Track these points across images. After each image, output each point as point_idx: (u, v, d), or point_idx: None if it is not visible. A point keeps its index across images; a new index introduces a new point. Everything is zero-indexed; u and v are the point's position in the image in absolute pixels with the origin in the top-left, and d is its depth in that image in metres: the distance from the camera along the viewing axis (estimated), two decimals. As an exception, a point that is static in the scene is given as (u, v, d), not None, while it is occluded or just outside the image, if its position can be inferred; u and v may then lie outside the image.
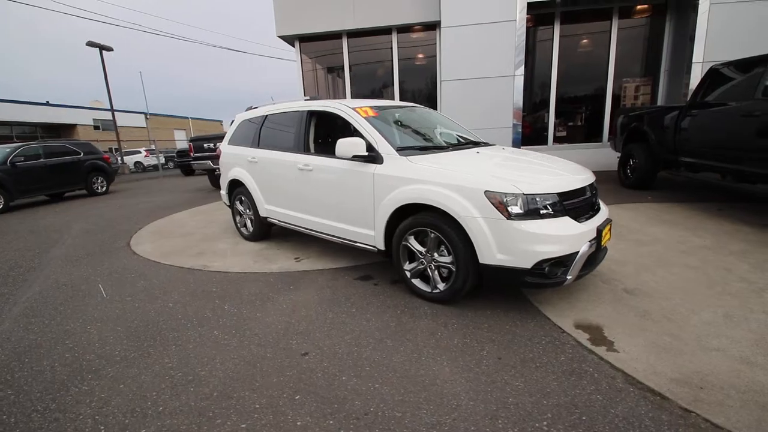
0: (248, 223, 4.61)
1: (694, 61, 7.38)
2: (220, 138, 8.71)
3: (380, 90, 9.48)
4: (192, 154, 8.90)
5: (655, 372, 1.91)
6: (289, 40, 9.25)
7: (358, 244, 3.26)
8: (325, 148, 3.64)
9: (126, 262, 4.11)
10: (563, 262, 2.37)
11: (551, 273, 2.37)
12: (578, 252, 2.37)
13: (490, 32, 7.78)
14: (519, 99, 7.97)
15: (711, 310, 2.46)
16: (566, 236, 2.35)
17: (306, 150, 3.65)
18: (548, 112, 8.74)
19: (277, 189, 4.00)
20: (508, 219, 2.33)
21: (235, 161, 4.54)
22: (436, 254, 2.71)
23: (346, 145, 2.98)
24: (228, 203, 4.89)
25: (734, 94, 4.68)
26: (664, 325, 2.32)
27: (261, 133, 4.25)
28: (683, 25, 7.83)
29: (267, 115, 4.21)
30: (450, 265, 2.63)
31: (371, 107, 3.41)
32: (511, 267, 2.37)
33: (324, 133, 3.99)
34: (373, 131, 3.07)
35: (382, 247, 3.04)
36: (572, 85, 8.83)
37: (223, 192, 4.92)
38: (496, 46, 7.82)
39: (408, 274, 2.92)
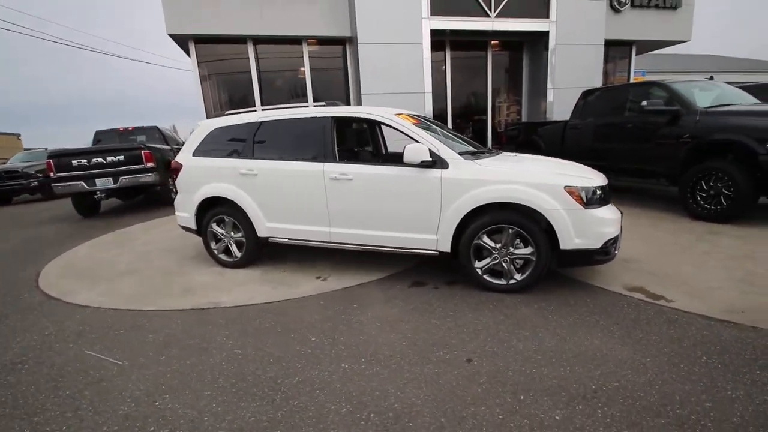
0: (233, 248, 3.93)
1: (548, 87, 9.59)
2: (102, 152, 6.94)
3: (292, 100, 9.10)
4: (53, 173, 6.76)
5: (709, 309, 2.61)
6: (182, 40, 8.05)
7: (413, 251, 3.25)
8: (358, 156, 3.49)
9: (79, 317, 2.99)
10: (615, 239, 2.95)
11: (609, 250, 2.91)
12: (620, 231, 2.99)
13: (402, 52, 8.44)
14: (430, 113, 8.86)
15: (691, 264, 3.42)
16: (616, 219, 2.94)
17: (335, 158, 3.41)
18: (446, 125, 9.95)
19: (288, 203, 3.57)
20: (585, 208, 2.79)
21: (212, 176, 3.83)
22: (511, 248, 2.97)
23: (414, 152, 2.97)
24: (194, 227, 4.04)
25: (606, 111, 6.37)
26: (677, 279, 3.12)
27: (256, 142, 3.71)
28: (537, 59, 10.06)
29: (262, 122, 3.71)
30: (530, 256, 2.92)
31: (406, 114, 3.45)
32: (586, 249, 2.83)
33: (345, 141, 3.78)
34: (429, 137, 3.14)
35: (447, 249, 3.12)
36: (461, 102, 10.28)
37: (187, 214, 4.05)
38: (407, 64, 8.52)
39: (479, 271, 3.08)
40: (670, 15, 10.90)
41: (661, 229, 4.50)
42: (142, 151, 7.16)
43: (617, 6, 10.21)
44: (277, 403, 1.89)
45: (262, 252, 4.04)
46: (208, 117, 8.44)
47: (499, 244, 3.00)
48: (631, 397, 1.82)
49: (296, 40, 8.65)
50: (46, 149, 12.55)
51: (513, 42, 10.12)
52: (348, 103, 9.16)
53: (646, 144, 5.49)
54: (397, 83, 8.46)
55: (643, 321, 2.52)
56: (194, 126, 4.17)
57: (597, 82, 9.78)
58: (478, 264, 3.09)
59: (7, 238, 6.17)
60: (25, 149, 13.76)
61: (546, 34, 9.33)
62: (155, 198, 8.24)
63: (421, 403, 1.84)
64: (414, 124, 3.32)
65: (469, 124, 10.55)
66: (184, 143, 10.27)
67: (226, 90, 8.84)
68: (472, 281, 3.16)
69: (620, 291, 2.98)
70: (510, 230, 2.93)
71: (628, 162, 5.81)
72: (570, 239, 2.81)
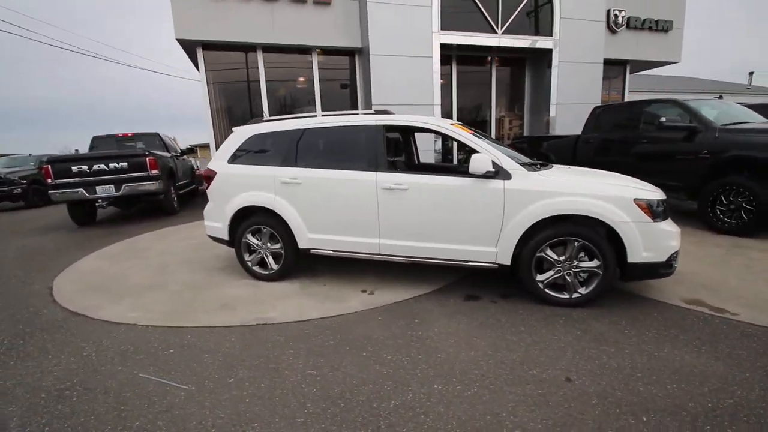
0: (269, 260, 3.73)
1: (551, 102, 9.80)
2: (104, 158, 6.59)
3: (297, 110, 8.97)
4: (51, 180, 6.35)
5: None
6: (190, 45, 7.83)
7: (469, 263, 3.15)
8: (410, 165, 3.38)
9: (116, 336, 2.73)
10: (677, 253, 2.93)
11: (672, 263, 2.89)
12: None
13: (413, 64, 8.47)
14: (439, 125, 8.86)
15: (735, 277, 3.44)
16: (678, 232, 2.93)
17: (386, 168, 3.30)
18: (453, 138, 9.99)
19: (335, 214, 3.42)
20: (653, 221, 2.77)
21: (250, 184, 3.65)
22: (575, 261, 2.91)
23: (479, 162, 2.90)
24: (226, 238, 3.83)
25: (620, 126, 6.51)
26: (729, 291, 3.13)
27: (299, 149, 3.57)
28: (539, 75, 10.29)
29: (306, 129, 3.57)
30: (596, 269, 2.87)
31: (459, 124, 3.39)
32: (652, 262, 2.80)
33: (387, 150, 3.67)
34: (491, 147, 3.08)
35: (507, 262, 3.03)
36: (466, 115, 10.37)
37: (219, 224, 3.83)
38: (418, 77, 8.55)
39: (540, 285, 3.01)
40: (662, 37, 11.40)
41: (687, 242, 4.55)
42: (147, 158, 6.85)
43: (614, 27, 10.61)
44: (384, 431, 1.73)
45: (297, 264, 3.85)
46: (214, 125, 8.21)
47: (563, 257, 2.93)
48: (753, 414, 1.76)
49: (306, 50, 8.55)
50: (30, 155, 11.91)
51: (516, 58, 10.34)
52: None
53: (665, 159, 5.62)
54: (407, 95, 8.45)
55: (721, 335, 2.48)
56: (192, 134, 3.99)
57: (596, 99, 10.07)
58: (539, 277, 3.01)
59: (3, 248, 5.72)
60: (4, 155, 13.03)
61: (549, 51, 9.57)
62: (156, 207, 7.87)
63: (543, 429, 1.72)
64: (470, 134, 3.26)
65: (472, 137, 10.62)
66: (183, 151, 10.00)
67: (233, 98, 8.62)
68: (528, 295, 3.09)
69: (680, 304, 2.95)
70: (575, 243, 2.87)
71: (645, 176, 5.89)
72: (638, 252, 2.77)
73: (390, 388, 2.04)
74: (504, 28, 9.11)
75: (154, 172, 6.90)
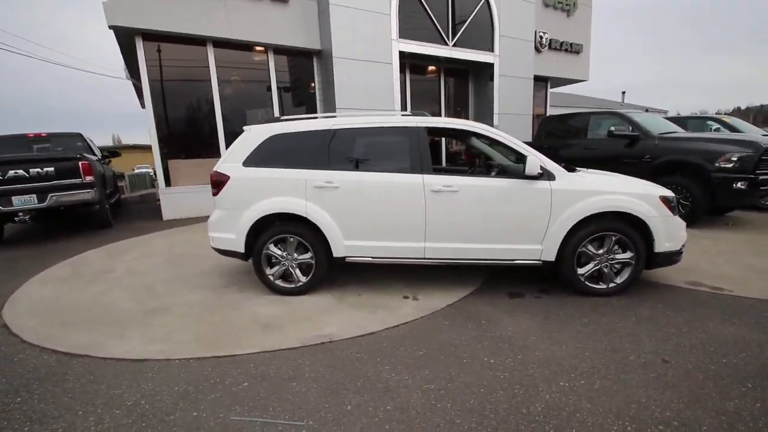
0: (296, 272, 3.39)
1: (494, 112, 10.60)
2: (23, 162, 5.35)
3: (255, 112, 8.33)
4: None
5: (761, 293, 3.15)
6: (127, 35, 6.77)
7: (516, 262, 3.25)
8: (452, 167, 3.37)
9: (155, 376, 2.22)
10: (685, 242, 3.39)
11: (682, 251, 3.33)
12: (684, 234, 3.47)
13: (374, 70, 8.46)
14: (399, 131, 8.97)
15: (706, 261, 4.08)
16: (684, 225, 3.39)
17: (431, 170, 3.23)
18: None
19: (377, 219, 3.25)
20: (672, 215, 3.16)
21: (274, 189, 3.29)
22: (612, 254, 3.19)
23: (533, 164, 3.02)
24: (242, 250, 3.38)
25: (568, 135, 7.32)
26: (711, 272, 3.71)
27: (331, 151, 3.31)
28: (481, 87, 11.05)
29: (339, 129, 3.34)
30: (629, 260, 3.18)
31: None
32: (672, 251, 3.20)
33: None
34: (532, 150, 3.21)
35: (552, 258, 3.20)
36: (418, 122, 10.67)
37: (232, 235, 3.37)
38: (379, 83, 8.57)
39: (582, 278, 3.23)
40: (575, 58, 13.11)
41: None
42: (80, 162, 5.75)
43: (539, 47, 11.90)
44: (556, 434, 1.70)
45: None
46: (158, 127, 7.21)
47: (601, 251, 3.19)
48: (817, 371, 2.11)
49: (262, 48, 8.00)
50: None
51: (461, 70, 10.97)
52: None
53: (613, 163, 6.44)
54: (369, 100, 8.40)
55: (738, 309, 2.92)
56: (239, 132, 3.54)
57: (529, 110, 11.20)
58: (580, 270, 3.23)
59: None
60: None
61: (491, 65, 10.37)
62: (83, 219, 6.62)
63: (687, 407, 1.84)
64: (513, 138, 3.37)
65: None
66: (105, 155, 8.56)
67: (179, 99, 7.64)
68: (563, 288, 3.31)
69: (685, 286, 3.41)
70: (613, 237, 3.15)
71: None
72: (662, 243, 3.14)
73: (522, 392, 2.00)
74: (454, 41, 9.62)
75: (89, 178, 5.83)
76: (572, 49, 12.82)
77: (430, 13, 9.18)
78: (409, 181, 3.19)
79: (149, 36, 6.93)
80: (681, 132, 6.39)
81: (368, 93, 8.42)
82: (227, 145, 7.61)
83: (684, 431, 1.70)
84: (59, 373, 2.30)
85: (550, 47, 12.28)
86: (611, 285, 3.22)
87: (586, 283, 3.23)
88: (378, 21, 8.35)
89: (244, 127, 3.54)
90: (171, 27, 6.87)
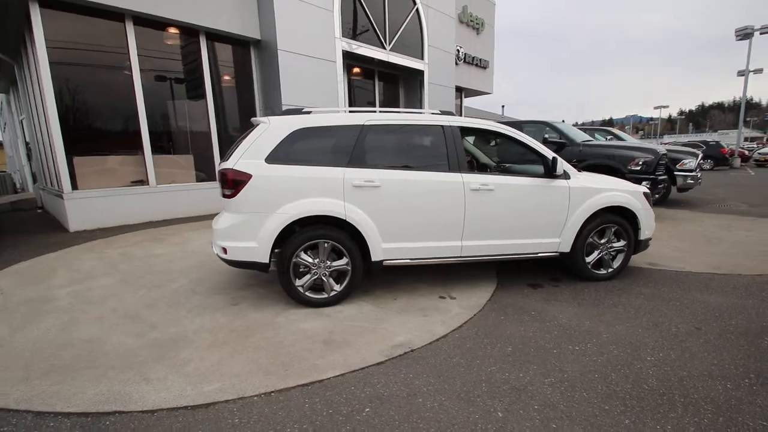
0: (329, 281, 3.07)
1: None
2: None
3: (185, 102, 7.23)
4: None
5: (715, 269, 3.97)
6: (17, 2, 5.24)
7: (538, 255, 3.49)
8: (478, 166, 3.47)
9: (235, 422, 1.79)
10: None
11: (651, 237, 4.01)
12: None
13: (319, 66, 8.13)
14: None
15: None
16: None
17: (466, 169, 3.27)
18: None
19: (417, 219, 3.15)
20: (650, 208, 3.79)
21: (305, 189, 2.94)
22: (612, 243, 3.67)
23: (560, 164, 3.29)
24: (265, 260, 2.93)
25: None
26: (659, 255, 4.54)
27: (366, 148, 3.09)
28: (410, 91, 11.49)
29: (371, 125, 3.12)
30: (623, 248, 3.69)
31: (511, 130, 3.68)
32: (647, 238, 3.83)
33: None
34: (549, 152, 3.49)
35: (568, 250, 3.53)
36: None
37: (253, 244, 2.89)
38: (324, 80, 8.28)
39: (589, 265, 3.63)
40: (482, 72, 14.56)
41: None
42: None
43: (457, 60, 12.92)
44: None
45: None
46: (62, 120, 5.75)
47: (603, 240, 3.64)
48: (791, 323, 2.77)
49: (193, 32, 7.00)
50: None
51: (393, 75, 11.25)
52: (252, 111, 8.03)
53: (547, 166, 7.38)
54: (315, 97, 8.05)
55: (704, 281, 3.62)
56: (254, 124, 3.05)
57: (453, 117, 12.05)
58: (587, 259, 3.63)
59: None
60: None
61: (422, 72, 10.88)
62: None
63: (744, 363, 2.24)
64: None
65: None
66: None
67: (91, 85, 6.16)
68: (570, 276, 3.71)
69: (649, 267, 4.10)
70: (613, 228, 3.62)
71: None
72: (645, 232, 3.73)
73: (627, 370, 2.18)
74: (391, 45, 9.83)
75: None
76: (481, 64, 14.22)
77: (369, 15, 9.22)
78: (451, 180, 3.18)
79: (49, 3, 5.48)
80: (596, 140, 7.63)
81: (314, 90, 8.08)
82: (152, 141, 6.53)
83: (757, 380, 2.06)
84: (100, 441, 1.69)
85: (464, 61, 13.41)
86: (609, 270, 3.70)
87: (592, 270, 3.65)
88: (322, 16, 8.07)
89: (261, 119, 3.08)
90: (78, -7, 5.57)
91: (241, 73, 7.94)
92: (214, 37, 7.29)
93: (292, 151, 3.00)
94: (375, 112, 3.30)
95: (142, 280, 3.77)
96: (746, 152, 23.03)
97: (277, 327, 2.75)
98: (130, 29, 6.22)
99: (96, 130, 6.31)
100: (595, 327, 2.73)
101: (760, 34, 19.99)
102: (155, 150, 6.69)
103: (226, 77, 7.85)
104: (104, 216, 6.07)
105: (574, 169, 3.58)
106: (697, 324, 2.75)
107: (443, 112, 3.45)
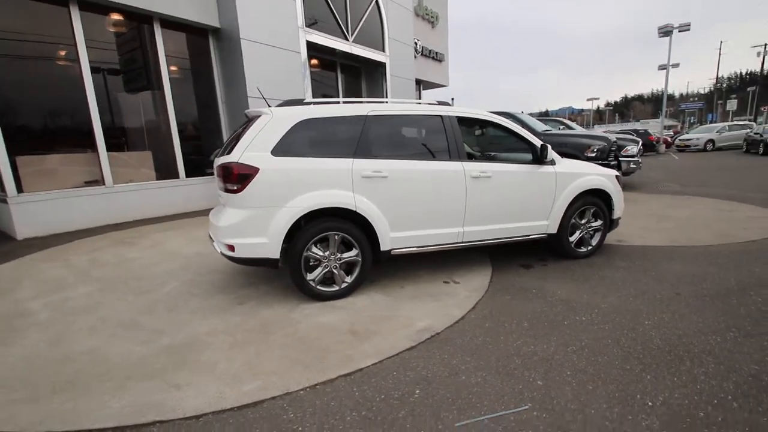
0: (339, 273, 3.06)
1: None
2: None
3: (140, 96, 6.68)
4: None
5: (673, 242, 4.46)
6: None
7: (530, 237, 3.73)
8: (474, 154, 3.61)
9: (296, 414, 1.77)
10: (618, 210, 4.48)
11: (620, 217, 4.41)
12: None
13: (283, 57, 7.88)
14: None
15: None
16: (616, 197, 4.48)
17: (465, 157, 3.38)
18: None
19: (422, 207, 3.22)
20: (622, 191, 4.17)
21: (314, 181, 2.89)
22: (591, 222, 3.99)
23: (550, 152, 3.52)
24: (276, 256, 2.85)
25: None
26: (623, 233, 5.01)
27: (371, 138, 3.09)
28: (372, 83, 11.49)
29: (372, 116, 3.12)
30: (600, 227, 4.04)
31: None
32: (618, 218, 4.22)
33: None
34: (538, 140, 3.71)
35: (555, 231, 3.80)
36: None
37: (264, 240, 2.80)
38: (289, 71, 8.04)
39: (572, 244, 3.93)
40: (438, 65, 14.89)
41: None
42: None
43: (415, 53, 13.09)
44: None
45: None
46: (1, 116, 5.10)
47: (583, 221, 3.96)
48: (760, 285, 3.20)
49: (146, 17, 6.46)
50: None
51: (355, 67, 11.15)
52: (212, 101, 7.62)
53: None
54: (280, 90, 7.77)
55: (669, 253, 4.07)
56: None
57: (414, 109, 12.23)
58: (571, 239, 3.92)
59: None
60: None
61: (383, 64, 10.91)
62: None
63: (728, 315, 2.58)
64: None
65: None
66: None
67: (33, 76, 5.46)
68: (555, 255, 4.00)
69: (618, 243, 4.52)
70: (591, 209, 3.94)
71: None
72: (617, 212, 4.11)
73: (633, 335, 2.42)
74: (353, 37, 9.74)
75: None
76: (437, 57, 14.54)
77: (330, 5, 9.06)
78: (454, 168, 3.28)
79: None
80: (555, 129, 8.15)
81: (279, 82, 7.81)
82: (106, 137, 6.02)
83: (739, 333, 2.39)
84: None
85: (422, 54, 13.62)
86: (589, 248, 4.03)
87: (575, 248, 3.95)
88: (284, 5, 7.80)
89: (261, 110, 2.97)
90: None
91: (199, 64, 7.47)
92: (170, 24, 6.79)
93: (296, 142, 2.93)
94: (373, 102, 3.31)
95: (126, 286, 3.50)
96: (668, 139, 25.68)
97: (294, 323, 2.71)
98: (75, 15, 5.61)
99: (42, 126, 5.66)
100: (592, 299, 2.98)
101: (679, 31, 22.38)
102: (110, 147, 6.13)
103: (184, 68, 7.36)
104: (57, 220, 5.49)
105: (558, 156, 3.83)
106: (675, 290, 3.10)
107: (440, 103, 3.53)
